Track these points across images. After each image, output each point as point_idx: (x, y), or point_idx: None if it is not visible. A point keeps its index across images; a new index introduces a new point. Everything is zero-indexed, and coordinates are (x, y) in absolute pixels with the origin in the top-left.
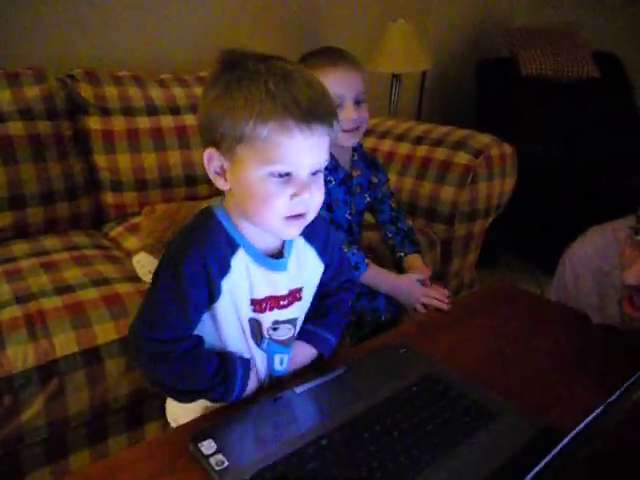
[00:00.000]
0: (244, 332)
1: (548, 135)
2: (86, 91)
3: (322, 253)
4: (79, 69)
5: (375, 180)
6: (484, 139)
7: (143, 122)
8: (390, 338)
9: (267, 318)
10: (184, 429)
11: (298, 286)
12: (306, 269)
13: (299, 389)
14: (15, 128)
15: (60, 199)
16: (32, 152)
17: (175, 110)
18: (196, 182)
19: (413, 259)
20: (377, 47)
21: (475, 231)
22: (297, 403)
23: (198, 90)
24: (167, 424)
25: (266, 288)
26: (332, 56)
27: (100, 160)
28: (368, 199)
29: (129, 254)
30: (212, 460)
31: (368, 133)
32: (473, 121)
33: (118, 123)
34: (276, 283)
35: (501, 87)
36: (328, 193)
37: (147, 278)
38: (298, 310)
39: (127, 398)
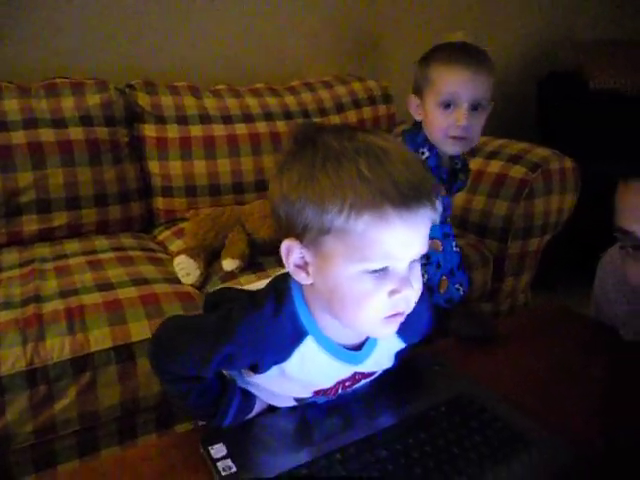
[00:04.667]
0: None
1: (615, 152)
2: (143, 100)
3: (407, 338)
4: (138, 80)
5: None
6: (543, 152)
7: (196, 130)
8: (425, 352)
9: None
10: (199, 430)
11: (375, 370)
12: (389, 355)
13: (320, 398)
14: (75, 133)
15: (113, 202)
16: (89, 156)
17: (227, 119)
18: (244, 190)
19: None
20: None
21: (530, 249)
22: (316, 413)
23: (250, 100)
24: (197, 425)
25: (333, 378)
26: (460, 51)
27: (153, 166)
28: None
29: (172, 256)
30: (220, 465)
31: None
32: (536, 138)
33: (172, 131)
34: (344, 372)
35: (567, 101)
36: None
37: (185, 280)
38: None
39: (157, 397)
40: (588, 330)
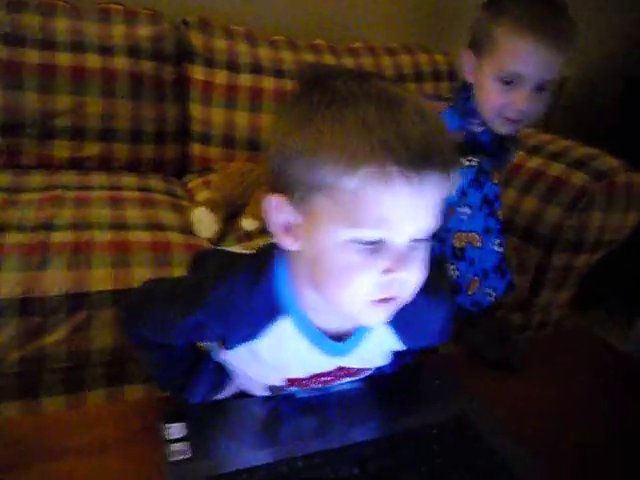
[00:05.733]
0: (257, 385)
1: None
2: (196, 39)
3: (409, 340)
4: (194, 16)
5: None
6: (611, 162)
7: (245, 80)
8: (429, 361)
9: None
10: (164, 400)
11: (362, 367)
12: (380, 353)
13: (301, 393)
14: (120, 63)
15: (148, 141)
16: (131, 89)
17: (279, 73)
18: None
19: None
20: None
21: (577, 265)
22: (291, 409)
23: (307, 57)
24: None
25: (310, 368)
26: (541, 15)
27: (195, 110)
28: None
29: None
30: (173, 447)
31: None
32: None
33: (220, 76)
34: (323, 364)
35: None
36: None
37: (201, 233)
38: (347, 381)
39: None
40: (611, 360)
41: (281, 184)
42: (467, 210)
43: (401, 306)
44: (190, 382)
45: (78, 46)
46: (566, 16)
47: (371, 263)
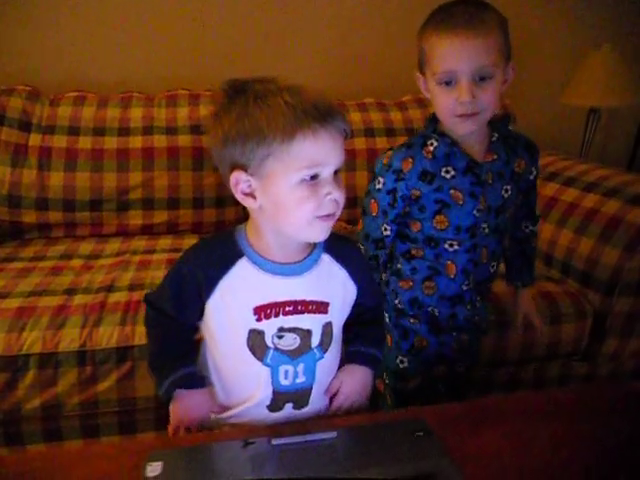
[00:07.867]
0: (241, 346)
1: None
2: None
3: (354, 276)
4: None
5: (519, 169)
6: None
7: None
8: (415, 414)
9: (272, 325)
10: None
11: (321, 299)
12: (334, 285)
13: (276, 441)
14: (183, 140)
15: (209, 205)
16: (193, 162)
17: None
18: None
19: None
20: (573, 77)
21: None
22: (265, 456)
23: (356, 114)
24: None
25: (270, 294)
26: (448, 19)
27: None
28: (510, 192)
29: None
30: None
31: None
32: None
33: None
34: (280, 289)
35: None
36: (440, 189)
37: None
38: (315, 323)
39: None
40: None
41: (234, 162)
42: None
43: (334, 222)
44: (163, 370)
45: (149, 130)
46: (486, 9)
47: (317, 191)
